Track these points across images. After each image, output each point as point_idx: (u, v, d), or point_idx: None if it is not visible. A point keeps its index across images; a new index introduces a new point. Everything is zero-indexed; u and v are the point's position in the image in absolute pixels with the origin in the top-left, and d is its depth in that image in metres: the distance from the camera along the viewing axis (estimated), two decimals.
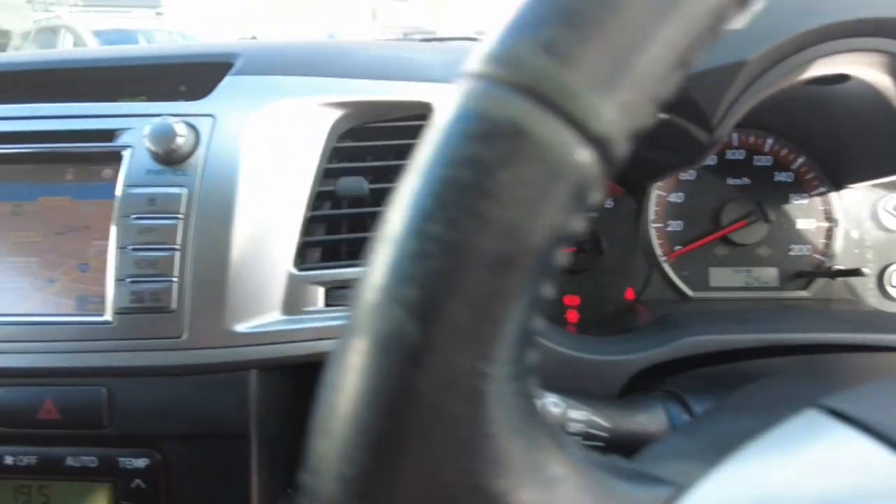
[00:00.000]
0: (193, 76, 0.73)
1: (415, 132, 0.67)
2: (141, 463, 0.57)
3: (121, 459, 0.58)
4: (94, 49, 0.78)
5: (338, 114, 0.64)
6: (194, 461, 0.57)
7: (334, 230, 0.63)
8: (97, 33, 5.87)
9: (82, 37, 5.69)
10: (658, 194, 0.77)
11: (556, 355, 0.59)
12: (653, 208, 0.77)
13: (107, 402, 0.57)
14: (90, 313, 0.58)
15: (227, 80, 0.64)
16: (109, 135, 0.61)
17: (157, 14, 6.61)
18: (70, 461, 0.58)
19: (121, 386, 0.57)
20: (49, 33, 6.11)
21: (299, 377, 0.61)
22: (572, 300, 0.75)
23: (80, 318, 0.57)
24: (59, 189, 0.62)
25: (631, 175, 0.74)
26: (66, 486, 0.59)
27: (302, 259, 0.60)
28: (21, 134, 0.63)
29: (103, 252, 0.60)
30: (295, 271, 0.59)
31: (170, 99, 0.74)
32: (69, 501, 0.59)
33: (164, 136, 0.57)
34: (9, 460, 0.59)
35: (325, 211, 0.62)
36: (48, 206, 0.62)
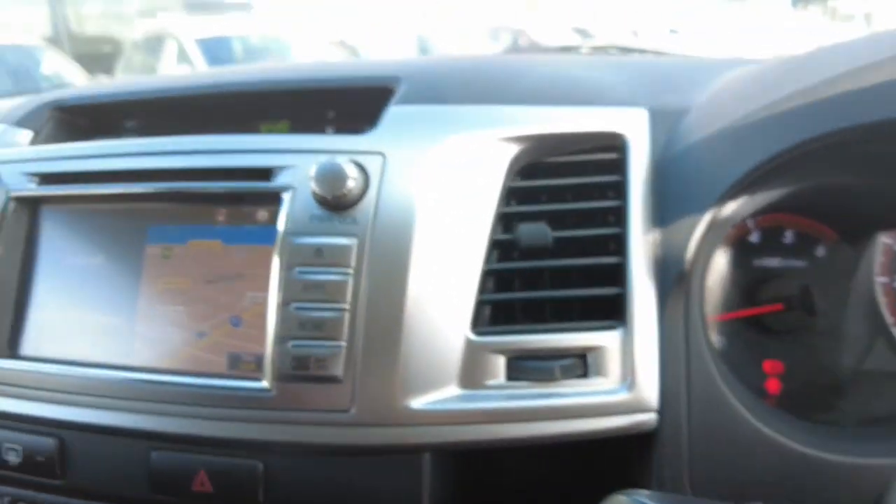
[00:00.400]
0: (344, 101, 0.66)
1: (601, 168, 0.57)
2: None
3: None
4: (233, 70, 0.73)
5: (517, 148, 0.55)
6: None
7: (506, 285, 0.54)
8: (199, 42, 6.10)
9: (185, 44, 5.93)
10: (885, 242, 0.64)
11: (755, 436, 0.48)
12: (878, 259, 0.63)
13: (263, 478, 0.50)
14: (247, 377, 0.52)
15: (394, 110, 0.57)
16: (266, 173, 0.54)
17: (252, 19, 6.81)
18: None
19: (279, 462, 0.50)
20: (155, 41, 6.41)
21: (476, 464, 0.53)
22: (775, 367, 0.63)
23: (237, 382, 0.51)
24: (209, 232, 0.57)
25: (851, 215, 0.62)
26: None
27: (478, 320, 0.52)
28: (171, 171, 0.58)
29: (258, 305, 0.54)
30: (473, 337, 0.50)
31: (316, 126, 0.68)
32: None
33: (334, 178, 0.50)
34: None
35: (506, 264, 0.53)
36: (198, 250, 0.57)
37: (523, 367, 0.50)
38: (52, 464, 0.56)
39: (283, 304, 0.50)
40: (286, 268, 0.51)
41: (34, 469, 0.57)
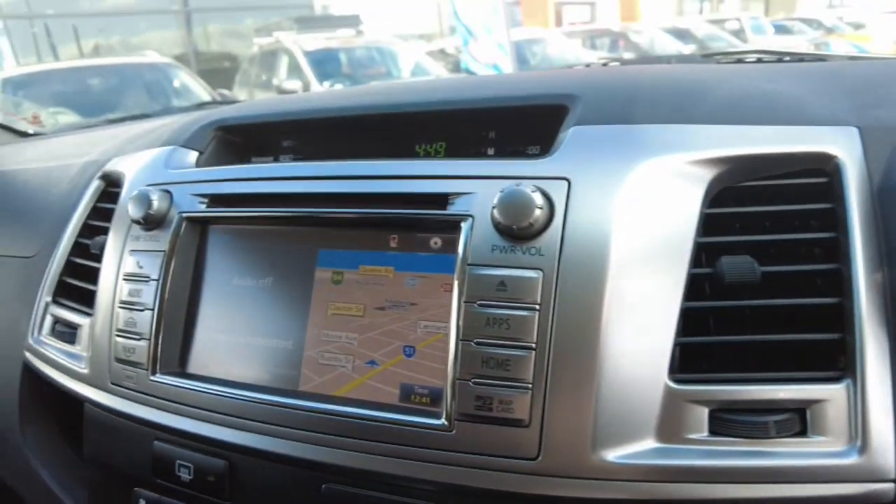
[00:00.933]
0: (508, 121, 0.63)
1: (807, 195, 0.51)
2: None
3: None
4: (386, 88, 0.72)
5: (714, 172, 0.50)
6: None
7: (703, 327, 0.49)
8: (307, 54, 6.39)
9: (297, 57, 6.23)
10: None
11: None
12: None
13: None
14: (421, 411, 0.50)
15: (575, 131, 0.53)
16: (443, 200, 0.52)
17: (358, 32, 7.03)
18: None
19: None
20: (269, 56, 6.78)
21: None
22: None
23: (413, 418, 0.49)
24: (382, 258, 0.55)
25: None
26: None
27: (675, 366, 0.47)
28: (343, 196, 0.57)
29: (433, 336, 0.51)
30: (672, 384, 0.45)
31: (475, 147, 0.66)
32: None
33: (520, 206, 0.47)
34: None
35: (708, 302, 0.48)
36: (370, 276, 0.55)
37: (730, 420, 0.45)
38: (221, 485, 0.56)
39: (464, 339, 0.48)
40: (467, 300, 0.48)
41: (204, 488, 0.57)
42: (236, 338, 0.60)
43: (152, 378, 0.60)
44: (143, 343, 0.61)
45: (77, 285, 0.76)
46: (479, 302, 0.48)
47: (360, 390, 0.53)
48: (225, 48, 10.22)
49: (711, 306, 0.48)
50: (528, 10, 11.33)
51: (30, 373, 0.76)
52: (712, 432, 0.45)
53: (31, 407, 0.78)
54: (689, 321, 0.47)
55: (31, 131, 1.60)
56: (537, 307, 0.46)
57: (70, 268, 0.78)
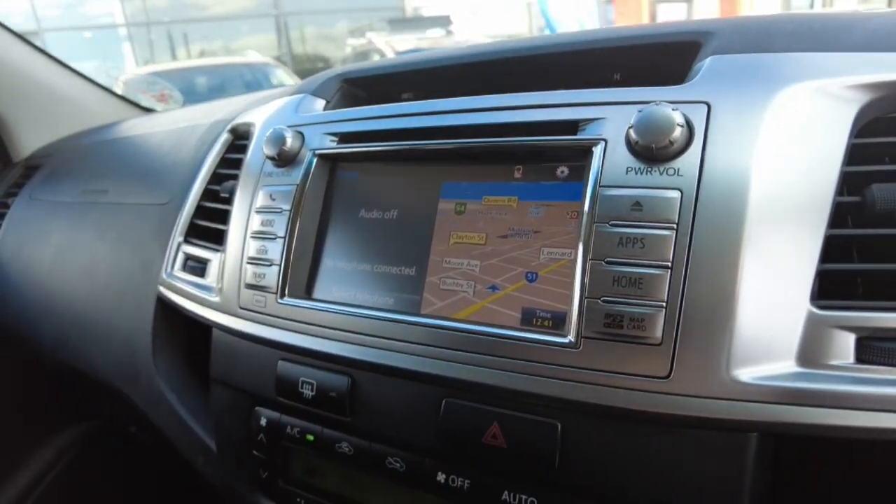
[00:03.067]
0: (637, 60, 0.62)
1: None
2: None
3: None
4: (505, 41, 0.73)
5: (864, 100, 0.48)
6: None
7: (846, 255, 0.46)
8: (398, 54, 6.57)
9: (388, 57, 6.42)
10: None
11: None
12: None
13: (560, 440, 0.48)
14: (549, 332, 0.50)
15: (712, 60, 0.52)
16: (573, 126, 0.53)
17: (448, 33, 7.14)
18: (506, 496, 0.51)
19: (579, 424, 0.48)
20: (362, 56, 7.02)
21: (808, 453, 0.46)
22: None
23: (538, 335, 0.50)
24: (506, 188, 0.56)
25: None
26: None
27: (817, 293, 0.45)
28: (467, 128, 0.58)
29: (558, 261, 0.52)
30: (815, 310, 0.44)
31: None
32: None
33: (660, 125, 0.46)
34: (440, 477, 0.54)
35: (855, 230, 0.46)
36: (493, 206, 0.56)
37: (879, 348, 0.42)
38: (342, 401, 0.59)
39: (594, 259, 0.48)
40: (598, 221, 0.48)
41: (325, 405, 0.60)
42: (361, 266, 0.62)
43: (280, 301, 0.64)
44: (273, 269, 0.65)
45: (207, 226, 0.81)
46: (611, 222, 0.48)
47: (481, 314, 0.54)
48: (319, 50, 10.63)
49: (858, 234, 0.45)
50: (621, 9, 11.09)
51: (163, 305, 0.83)
52: (859, 360, 0.43)
53: (163, 337, 0.84)
54: (832, 249, 0.45)
55: (158, 108, 1.74)
56: (675, 226, 0.45)
57: (201, 212, 0.84)
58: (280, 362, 0.63)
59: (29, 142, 1.51)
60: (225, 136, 0.89)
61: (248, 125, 0.82)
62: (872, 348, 0.42)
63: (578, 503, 0.48)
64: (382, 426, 0.57)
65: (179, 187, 0.91)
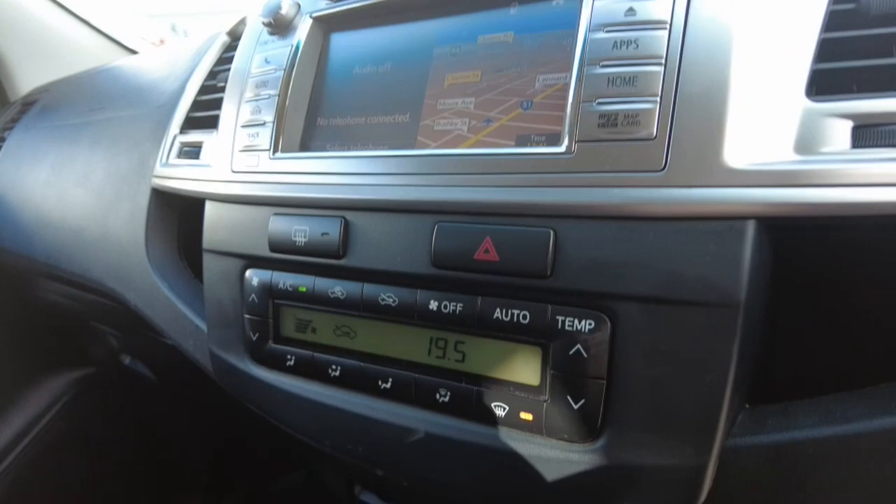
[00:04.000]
0: None
1: None
2: (584, 326, 0.47)
3: (559, 319, 0.48)
4: None
5: None
6: (652, 332, 0.45)
7: (841, 57, 0.46)
8: None
9: None
10: None
11: None
12: None
13: (553, 246, 0.47)
14: (543, 147, 0.50)
15: None
16: None
17: None
18: (498, 314, 0.50)
19: (573, 229, 0.47)
20: None
21: (808, 242, 0.45)
22: None
23: (529, 149, 0.49)
24: (500, 25, 0.56)
25: None
26: (488, 344, 0.52)
27: (814, 89, 0.44)
28: None
29: (551, 86, 0.52)
30: (810, 102, 0.43)
31: None
32: (488, 362, 0.52)
33: None
34: (432, 305, 0.53)
35: (846, 32, 0.45)
36: (489, 43, 0.56)
37: (876, 132, 0.42)
38: (335, 241, 0.58)
39: (590, 64, 0.47)
40: (593, 30, 0.48)
41: (318, 249, 0.59)
42: (355, 119, 0.62)
43: (273, 157, 0.63)
44: (266, 128, 0.65)
45: (203, 115, 0.81)
46: (605, 29, 0.47)
47: (474, 145, 0.54)
48: None
49: (853, 35, 0.45)
50: None
51: (157, 196, 0.82)
52: (856, 146, 0.42)
53: (156, 229, 0.83)
54: (826, 52, 0.45)
55: None
56: (668, 26, 0.45)
57: (197, 105, 0.84)
58: (272, 217, 0.63)
59: (27, 81, 1.51)
60: (223, 39, 0.89)
61: (244, 22, 0.82)
62: (869, 133, 0.42)
63: (570, 312, 0.47)
64: (375, 261, 0.56)
65: (176, 90, 0.90)
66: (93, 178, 0.96)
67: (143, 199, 0.84)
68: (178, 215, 0.85)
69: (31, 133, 1.23)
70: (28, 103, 1.38)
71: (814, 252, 0.47)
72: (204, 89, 0.85)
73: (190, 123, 0.83)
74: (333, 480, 0.96)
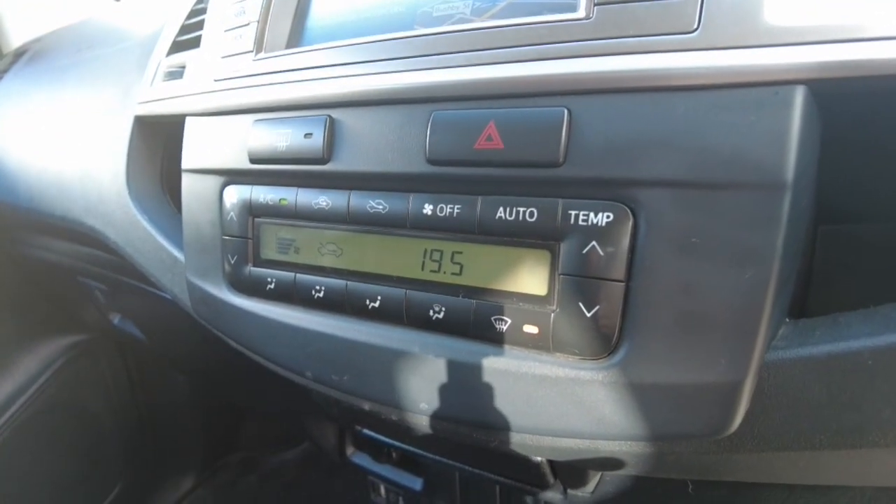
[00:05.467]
0: None
1: None
2: (601, 219, 0.40)
3: (572, 213, 0.41)
4: None
5: None
6: (681, 224, 0.38)
7: None
8: None
9: None
10: None
11: None
12: None
13: (567, 127, 0.41)
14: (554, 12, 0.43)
15: None
16: None
17: None
18: (501, 213, 0.44)
19: (590, 106, 0.40)
20: None
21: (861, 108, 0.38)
22: None
23: (542, 17, 0.43)
24: None
25: None
26: (488, 252, 0.45)
27: None
28: None
29: None
30: None
31: None
32: (489, 273, 0.45)
33: None
34: (427, 210, 0.47)
35: None
36: None
37: None
38: (318, 145, 0.51)
39: None
40: None
41: (300, 153, 0.52)
42: (346, 17, 0.56)
43: (256, 58, 0.57)
44: (250, 28, 0.58)
45: (189, 37, 0.75)
46: None
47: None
48: None
49: None
50: None
51: (140, 125, 0.77)
52: None
53: (138, 159, 0.78)
54: None
55: None
56: None
57: (184, 29, 0.78)
58: (253, 124, 0.56)
59: (19, 35, 1.47)
60: None
61: None
62: None
63: (584, 205, 0.41)
64: (363, 163, 0.49)
65: (162, 21, 0.85)
66: (76, 116, 0.90)
67: (126, 131, 0.78)
68: (163, 147, 0.79)
69: (18, 81, 1.18)
70: (19, 54, 1.33)
71: (868, 126, 0.40)
72: (192, 13, 0.79)
73: (176, 47, 0.77)
74: (324, 442, 0.90)
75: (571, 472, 0.53)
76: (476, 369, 0.46)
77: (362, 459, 0.88)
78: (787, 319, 0.41)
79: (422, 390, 0.49)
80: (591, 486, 0.53)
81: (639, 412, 0.40)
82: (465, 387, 0.46)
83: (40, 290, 1.45)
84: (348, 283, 0.52)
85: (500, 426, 0.46)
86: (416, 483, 0.81)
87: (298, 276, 0.55)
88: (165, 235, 0.72)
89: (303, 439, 1.80)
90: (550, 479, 0.54)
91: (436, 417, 0.49)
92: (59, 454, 1.47)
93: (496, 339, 0.45)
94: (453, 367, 0.47)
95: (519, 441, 0.48)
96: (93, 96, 0.90)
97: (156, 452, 1.65)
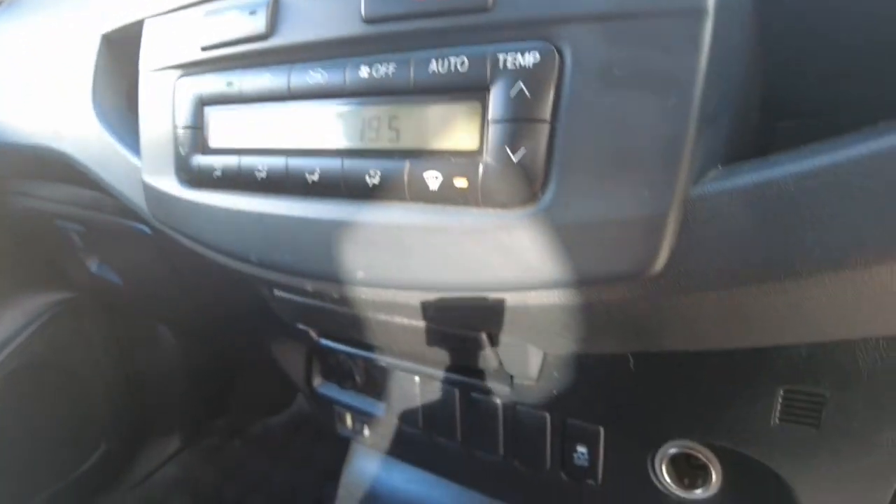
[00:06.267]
0: None
1: None
2: (527, 61, 0.40)
3: (500, 57, 0.41)
4: None
5: None
6: (604, 56, 0.37)
7: None
8: None
9: None
10: None
11: None
12: None
13: None
14: None
15: None
16: None
17: None
18: (434, 67, 0.43)
19: None
20: None
21: None
22: None
23: None
24: None
25: None
26: (423, 112, 0.44)
27: None
28: None
29: None
30: None
31: None
32: (424, 133, 0.45)
33: None
34: (363, 72, 0.46)
35: None
36: None
37: None
38: (261, 20, 0.51)
39: None
40: None
41: (246, 33, 0.52)
42: None
43: None
44: None
45: None
46: None
47: None
48: None
49: None
50: None
51: (105, 42, 0.77)
52: None
53: (103, 76, 0.78)
54: None
55: None
56: None
57: None
58: (204, 14, 0.56)
59: None
60: None
61: None
62: None
63: (512, 48, 0.40)
64: (304, 32, 0.49)
65: None
66: (42, 43, 0.91)
67: (92, 51, 0.78)
68: (130, 66, 0.79)
69: None
70: None
71: None
72: None
73: None
74: (293, 372, 0.90)
75: (513, 356, 0.52)
76: (409, 230, 0.45)
77: (328, 389, 0.88)
78: (720, 166, 0.40)
79: (358, 258, 0.48)
80: (534, 371, 0.53)
81: (565, 255, 0.40)
82: (398, 249, 0.46)
83: (23, 243, 1.45)
84: (289, 159, 0.51)
85: (434, 285, 0.45)
86: (379, 408, 0.81)
87: (243, 159, 0.55)
88: (127, 146, 0.72)
89: (289, 404, 1.80)
90: (494, 359, 0.53)
91: (373, 285, 0.49)
92: (41, 413, 1.47)
93: (428, 198, 0.44)
94: (387, 231, 0.46)
95: (452, 306, 0.47)
96: (55, 19, 0.90)
97: (141, 414, 1.65)
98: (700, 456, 0.60)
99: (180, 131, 0.59)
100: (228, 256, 0.58)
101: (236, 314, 0.85)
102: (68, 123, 0.81)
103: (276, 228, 0.52)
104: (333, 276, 0.50)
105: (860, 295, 0.36)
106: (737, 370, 0.45)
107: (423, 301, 0.49)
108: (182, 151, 0.59)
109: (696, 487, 0.62)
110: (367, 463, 0.94)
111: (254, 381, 1.77)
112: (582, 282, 0.40)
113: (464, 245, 0.43)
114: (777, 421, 0.47)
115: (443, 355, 0.56)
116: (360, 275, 0.48)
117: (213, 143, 0.57)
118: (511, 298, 0.44)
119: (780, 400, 0.45)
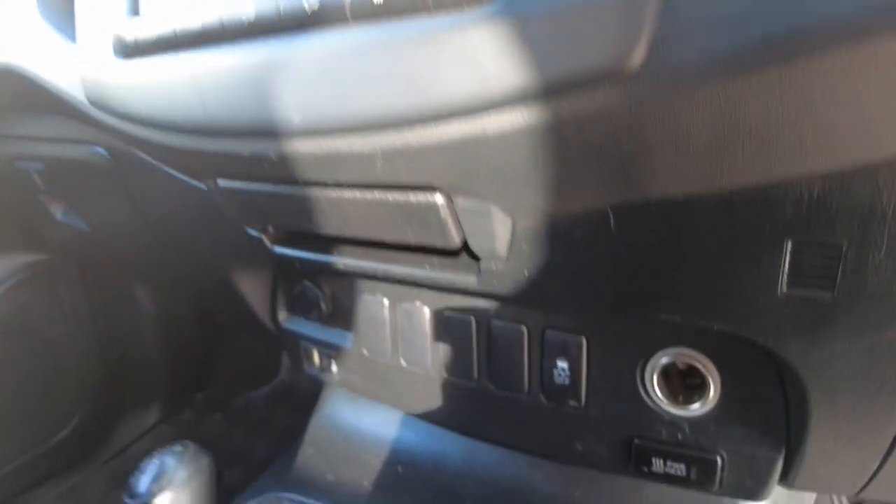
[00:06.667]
0: None
1: None
2: None
3: None
4: None
5: None
6: None
7: None
8: None
9: None
10: None
11: None
12: None
13: None
14: None
15: None
16: None
17: None
18: None
19: None
20: None
21: None
22: None
23: None
24: None
25: None
26: None
27: None
28: None
29: None
30: None
31: None
32: None
33: None
34: None
35: None
36: None
37: None
38: None
39: None
40: None
41: None
42: None
43: None
44: None
45: None
46: None
47: None
48: None
49: None
50: None
51: None
52: None
53: None
54: None
55: None
56: None
57: None
58: None
59: None
60: None
61: None
62: None
63: None
64: None
65: None
66: None
67: None
68: None
69: None
70: None
71: None
72: None
73: None
74: (258, 305, 0.83)
75: (477, 225, 0.46)
76: (350, 56, 0.39)
77: (294, 324, 0.81)
78: None
79: (294, 100, 0.42)
80: (502, 246, 0.46)
81: (529, 54, 0.33)
82: (337, 80, 0.39)
83: None
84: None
85: (378, 119, 0.39)
86: (347, 339, 0.75)
87: (177, 15, 0.48)
88: (66, 35, 0.66)
89: (271, 379, 1.74)
90: (456, 232, 0.46)
91: (311, 130, 0.42)
92: (10, 381, 1.40)
93: (372, 13, 0.38)
94: (326, 61, 0.40)
95: (401, 148, 0.40)
96: None
97: (117, 385, 1.58)
98: (697, 365, 0.53)
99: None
100: (165, 129, 0.52)
101: (203, 250, 0.79)
102: (17, 35, 0.76)
103: (213, 86, 0.46)
104: (269, 127, 0.44)
105: (884, 83, 0.29)
106: (736, 220, 0.38)
107: (368, 149, 0.42)
108: (116, 18, 0.53)
109: (692, 403, 0.55)
110: (338, 407, 0.87)
111: (236, 354, 1.71)
112: (550, 88, 0.33)
113: (412, 61, 0.36)
114: (785, 288, 0.39)
115: (401, 235, 0.49)
116: (296, 119, 0.42)
117: (146, 3, 0.51)
118: (468, 127, 0.37)
119: (787, 257, 0.38)
